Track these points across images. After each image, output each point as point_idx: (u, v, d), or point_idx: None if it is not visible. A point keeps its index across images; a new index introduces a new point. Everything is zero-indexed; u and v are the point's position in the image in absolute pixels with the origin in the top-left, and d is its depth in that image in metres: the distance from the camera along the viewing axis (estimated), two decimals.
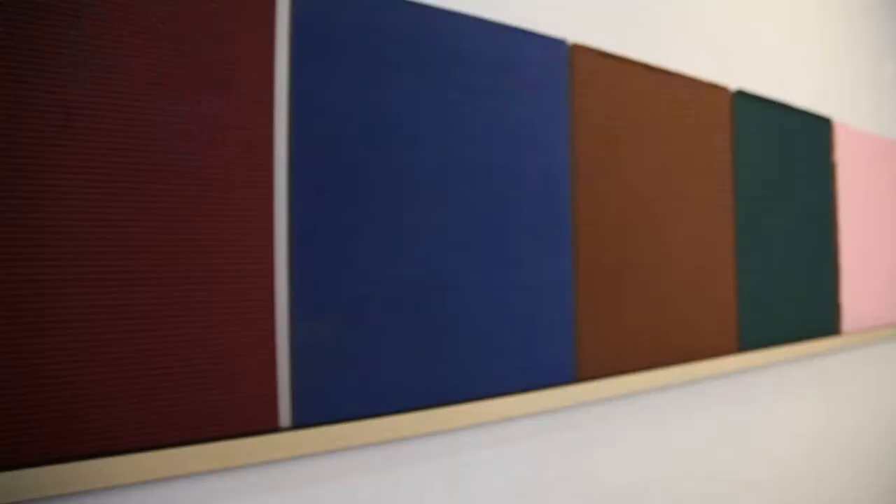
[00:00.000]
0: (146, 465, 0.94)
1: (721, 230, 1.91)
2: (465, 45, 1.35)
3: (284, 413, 1.08)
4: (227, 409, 1.02)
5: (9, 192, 0.86)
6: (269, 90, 1.08)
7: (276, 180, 1.09)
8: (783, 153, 2.17)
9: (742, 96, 2.01)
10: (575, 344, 1.51)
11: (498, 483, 1.38)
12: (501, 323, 1.38)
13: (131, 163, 0.96)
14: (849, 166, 2.49)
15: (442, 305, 1.29)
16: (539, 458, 1.46)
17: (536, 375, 1.43)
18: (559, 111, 1.51)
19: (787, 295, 2.15)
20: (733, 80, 2.04)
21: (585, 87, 1.57)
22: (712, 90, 1.91)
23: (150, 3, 0.98)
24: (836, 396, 2.44)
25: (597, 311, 1.56)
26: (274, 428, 1.06)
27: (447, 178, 1.31)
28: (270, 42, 1.09)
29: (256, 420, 1.04)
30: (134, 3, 0.96)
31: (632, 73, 1.68)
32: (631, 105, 1.67)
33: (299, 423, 1.08)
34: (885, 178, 2.75)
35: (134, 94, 0.96)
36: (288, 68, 1.11)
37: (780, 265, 2.13)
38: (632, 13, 1.75)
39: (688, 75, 1.84)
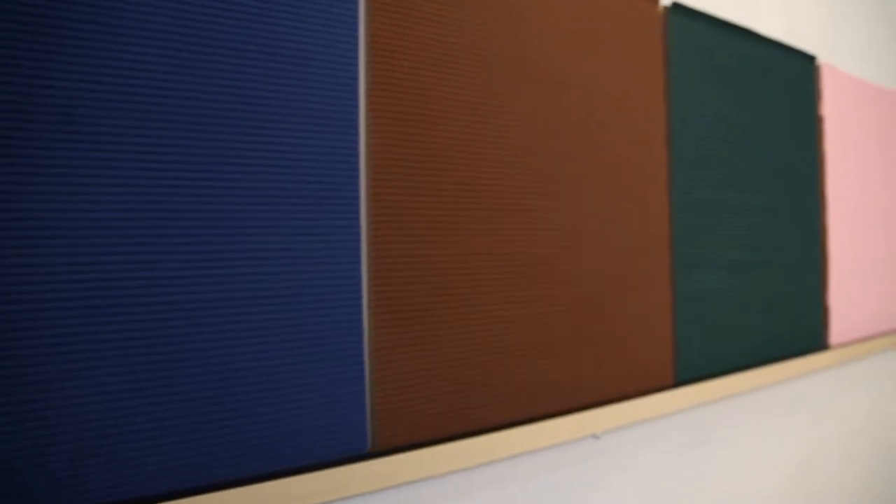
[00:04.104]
0: None
1: (649, 207, 1.30)
2: None
3: None
4: None
5: None
6: None
7: None
8: (745, 100, 1.55)
9: (679, 13, 1.39)
10: (372, 392, 0.91)
11: None
12: (227, 362, 0.78)
13: None
14: (840, 122, 1.90)
15: (108, 332, 0.71)
16: None
17: (300, 448, 0.83)
18: (342, 15, 0.90)
19: (753, 299, 1.54)
20: None
21: None
22: (633, 2, 1.29)
23: None
24: (820, 427, 1.88)
25: (413, 338, 0.95)
26: None
27: (132, 124, 0.73)
28: None
29: None
30: None
31: None
32: (483, 12, 1.06)
33: None
34: (887, 140, 2.14)
35: None
36: None
37: (742, 258, 1.52)
38: None
39: None
